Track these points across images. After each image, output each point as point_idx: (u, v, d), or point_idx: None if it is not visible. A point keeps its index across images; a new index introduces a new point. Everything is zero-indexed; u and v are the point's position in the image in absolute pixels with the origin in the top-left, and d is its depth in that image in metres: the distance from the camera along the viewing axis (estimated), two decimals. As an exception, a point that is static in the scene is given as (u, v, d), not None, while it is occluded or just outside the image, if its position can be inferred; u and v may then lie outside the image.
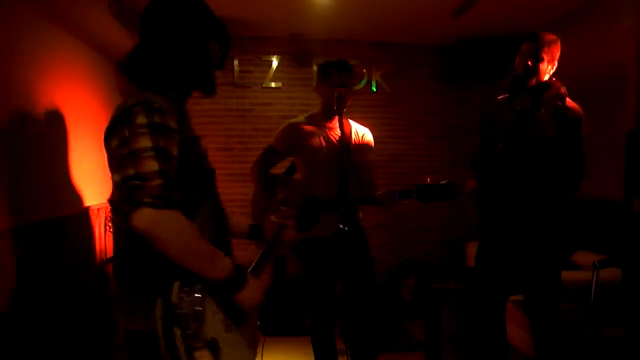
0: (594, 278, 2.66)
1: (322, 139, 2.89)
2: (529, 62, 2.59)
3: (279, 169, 3.11)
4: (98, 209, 3.48)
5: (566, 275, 2.78)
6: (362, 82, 5.09)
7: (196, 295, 1.36)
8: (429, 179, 2.48)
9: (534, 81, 2.58)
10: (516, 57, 2.68)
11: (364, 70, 5.08)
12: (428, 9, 4.05)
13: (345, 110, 2.67)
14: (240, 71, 4.88)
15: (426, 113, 5.33)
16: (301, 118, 2.98)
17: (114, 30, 3.39)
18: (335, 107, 2.70)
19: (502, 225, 2.70)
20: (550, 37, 2.61)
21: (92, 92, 3.63)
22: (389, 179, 5.12)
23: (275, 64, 4.92)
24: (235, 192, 4.73)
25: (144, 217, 1.25)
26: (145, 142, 1.30)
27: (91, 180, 3.30)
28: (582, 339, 3.06)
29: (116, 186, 1.33)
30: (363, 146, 2.95)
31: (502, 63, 4.81)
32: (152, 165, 1.28)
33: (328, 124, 2.91)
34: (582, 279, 2.93)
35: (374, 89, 5.12)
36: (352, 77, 2.87)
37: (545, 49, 2.58)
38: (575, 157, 2.52)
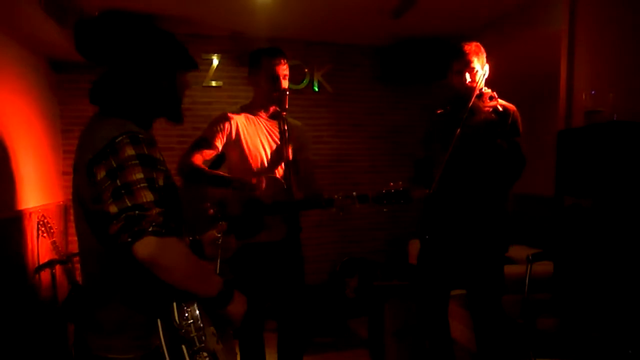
0: (528, 271, 2.76)
1: (261, 134, 2.75)
2: (467, 78, 2.65)
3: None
4: (31, 213, 3.32)
5: (502, 269, 2.87)
6: (305, 81, 5.08)
7: (197, 312, 1.42)
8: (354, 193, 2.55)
9: (474, 93, 2.61)
10: (451, 76, 2.73)
11: (306, 70, 5.09)
12: (367, 9, 4.08)
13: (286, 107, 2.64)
14: (179, 69, 4.75)
15: (368, 113, 5.38)
16: (235, 109, 2.82)
17: (46, 26, 3.23)
18: (278, 107, 2.66)
19: (446, 224, 2.76)
20: (471, 46, 2.68)
21: (21, 91, 3.45)
22: (332, 178, 5.14)
23: (215, 62, 4.83)
24: (175, 193, 4.62)
25: (150, 246, 1.26)
26: (137, 174, 1.32)
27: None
28: (516, 331, 3.17)
29: (111, 218, 1.29)
30: (301, 142, 2.85)
31: (441, 64, 4.95)
32: (148, 196, 1.30)
33: (265, 117, 2.78)
34: (517, 273, 3.03)
35: (316, 89, 5.12)
36: (283, 63, 2.72)
37: (474, 58, 2.65)
38: (515, 159, 2.59)
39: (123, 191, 1.29)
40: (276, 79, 2.68)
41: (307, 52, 5.08)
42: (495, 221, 2.70)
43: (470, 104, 2.58)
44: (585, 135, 2.17)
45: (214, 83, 4.86)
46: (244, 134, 2.72)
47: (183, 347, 1.36)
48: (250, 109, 2.81)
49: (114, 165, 1.32)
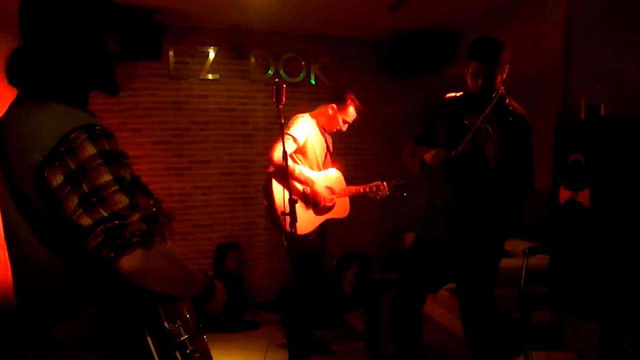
0: (524, 265, 2.75)
1: (320, 140, 3.44)
2: (483, 83, 2.51)
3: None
4: None
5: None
6: (301, 74, 5.07)
7: (185, 314, 1.34)
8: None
9: (492, 101, 2.44)
10: (467, 76, 2.59)
11: (303, 63, 5.07)
12: (364, 3, 4.07)
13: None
14: (175, 62, 4.74)
15: (365, 106, 5.36)
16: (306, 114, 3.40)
17: None
18: (274, 100, 2.77)
19: (445, 223, 2.73)
20: (497, 47, 2.50)
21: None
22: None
23: (212, 55, 4.81)
24: (171, 187, 4.62)
25: (137, 259, 1.12)
26: (105, 176, 1.14)
27: None
28: (512, 324, 3.17)
29: (87, 232, 1.12)
30: None
31: (438, 56, 4.93)
32: (123, 200, 1.14)
33: (321, 129, 3.48)
34: (513, 266, 3.03)
35: (313, 82, 5.11)
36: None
37: (498, 65, 2.51)
38: (524, 167, 2.56)
39: (94, 199, 1.12)
40: (346, 124, 3.56)
41: (304, 45, 5.07)
42: (495, 223, 2.68)
43: (487, 111, 2.41)
44: (583, 128, 2.17)
45: (210, 76, 4.84)
46: (311, 137, 3.33)
47: (177, 353, 1.26)
48: (318, 119, 3.46)
49: (73, 167, 1.13)
